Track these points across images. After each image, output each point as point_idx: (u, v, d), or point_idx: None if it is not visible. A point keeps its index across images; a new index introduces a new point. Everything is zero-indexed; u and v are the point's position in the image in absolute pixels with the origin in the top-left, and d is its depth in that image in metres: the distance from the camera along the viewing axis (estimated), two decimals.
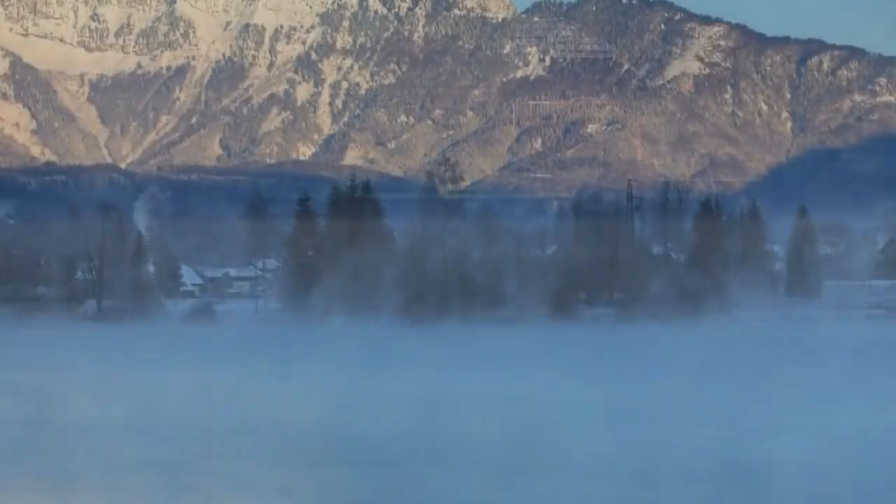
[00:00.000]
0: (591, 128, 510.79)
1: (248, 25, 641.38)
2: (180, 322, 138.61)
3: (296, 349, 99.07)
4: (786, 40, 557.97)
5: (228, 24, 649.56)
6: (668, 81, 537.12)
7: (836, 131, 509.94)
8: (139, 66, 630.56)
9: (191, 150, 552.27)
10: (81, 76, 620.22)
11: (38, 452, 45.60)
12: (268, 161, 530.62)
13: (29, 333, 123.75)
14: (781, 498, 32.94)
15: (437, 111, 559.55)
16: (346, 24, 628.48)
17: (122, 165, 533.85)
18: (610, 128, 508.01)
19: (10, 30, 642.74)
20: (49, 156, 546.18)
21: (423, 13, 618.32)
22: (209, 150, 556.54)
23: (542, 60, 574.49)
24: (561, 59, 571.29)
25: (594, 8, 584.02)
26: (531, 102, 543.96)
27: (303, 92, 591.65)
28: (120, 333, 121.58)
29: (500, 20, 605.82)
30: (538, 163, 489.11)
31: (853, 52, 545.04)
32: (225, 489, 38.20)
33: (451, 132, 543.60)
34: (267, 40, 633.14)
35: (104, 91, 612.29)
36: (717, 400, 52.10)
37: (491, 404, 54.63)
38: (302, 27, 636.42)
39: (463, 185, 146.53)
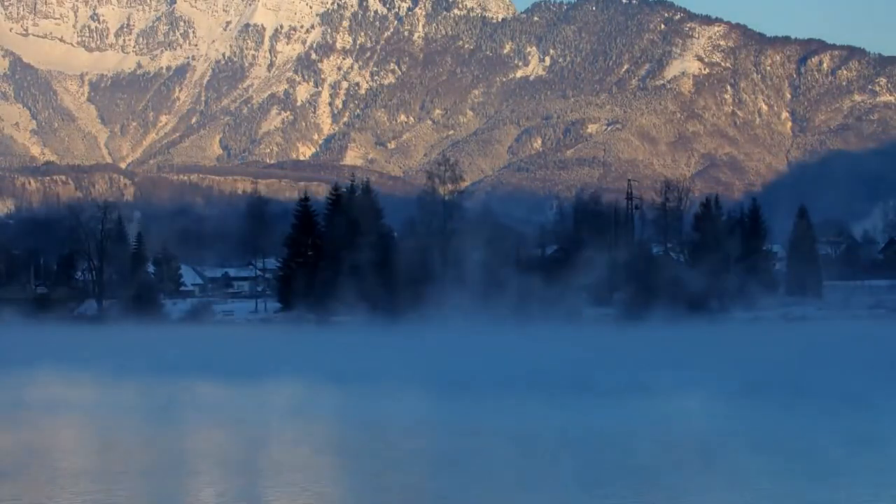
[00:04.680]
0: (591, 128, 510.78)
1: (248, 25, 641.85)
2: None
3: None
4: (786, 40, 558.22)
5: (228, 24, 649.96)
6: (668, 81, 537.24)
7: (836, 131, 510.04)
8: (139, 66, 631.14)
9: (191, 150, 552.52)
10: (81, 76, 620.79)
11: None
12: (268, 161, 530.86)
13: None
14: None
15: (437, 111, 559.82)
16: (346, 24, 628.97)
17: (122, 165, 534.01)
18: (610, 128, 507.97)
19: (10, 30, 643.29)
20: (49, 156, 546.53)
21: (423, 13, 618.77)
22: (209, 150, 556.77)
23: (542, 60, 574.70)
24: (561, 59, 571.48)
25: (594, 8, 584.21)
26: (531, 102, 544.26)
27: (303, 92, 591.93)
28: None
29: (500, 20, 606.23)
30: (538, 163, 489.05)
31: (853, 52, 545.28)
32: None
33: (451, 132, 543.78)
34: (267, 40, 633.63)
35: (104, 91, 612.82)
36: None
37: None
38: (302, 27, 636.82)
39: (463, 185, 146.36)
